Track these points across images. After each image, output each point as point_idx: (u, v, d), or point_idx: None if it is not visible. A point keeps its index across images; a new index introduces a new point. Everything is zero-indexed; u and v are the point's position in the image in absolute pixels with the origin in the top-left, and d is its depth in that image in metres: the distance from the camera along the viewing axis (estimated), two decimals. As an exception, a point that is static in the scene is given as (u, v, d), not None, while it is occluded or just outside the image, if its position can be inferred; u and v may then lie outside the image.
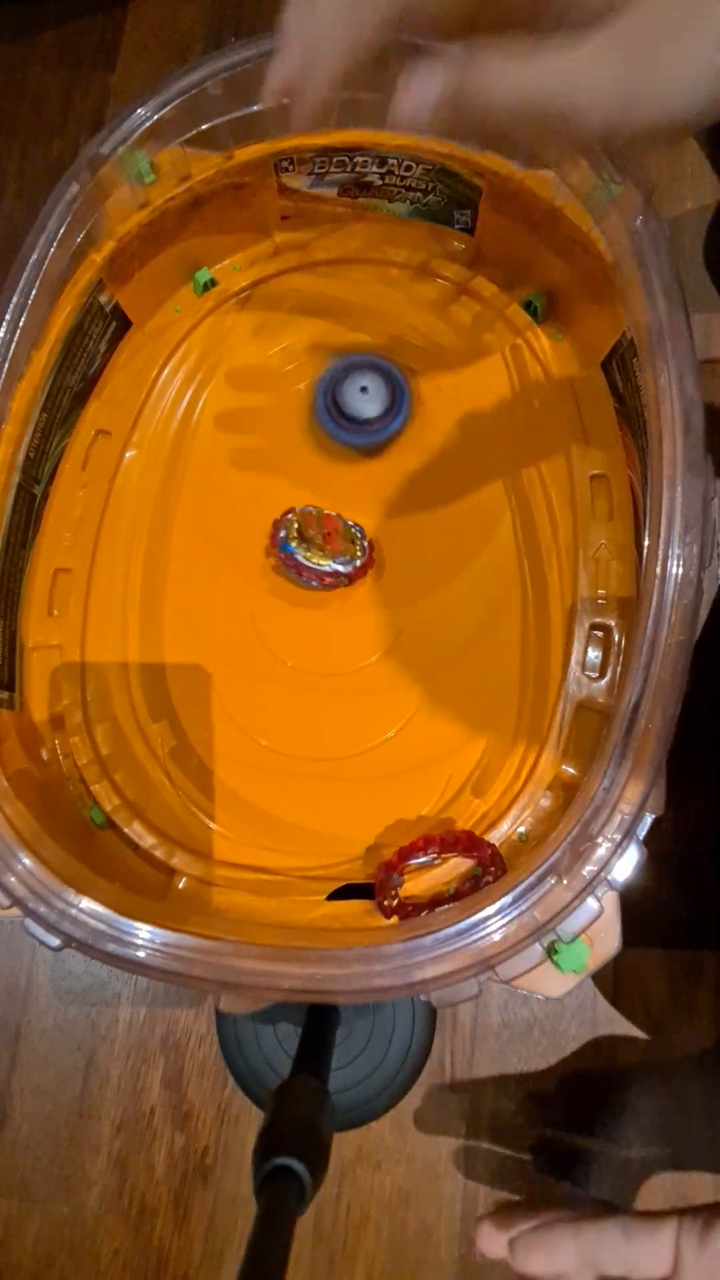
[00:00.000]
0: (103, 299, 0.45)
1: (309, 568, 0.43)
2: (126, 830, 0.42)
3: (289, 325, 0.49)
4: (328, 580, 0.43)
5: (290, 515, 0.44)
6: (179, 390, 0.49)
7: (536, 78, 0.21)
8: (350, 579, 0.44)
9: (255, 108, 0.43)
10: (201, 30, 0.78)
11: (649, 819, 0.32)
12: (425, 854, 0.40)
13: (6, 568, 0.42)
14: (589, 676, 0.42)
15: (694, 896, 0.57)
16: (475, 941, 0.32)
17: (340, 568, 0.43)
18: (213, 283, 0.50)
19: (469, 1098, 0.57)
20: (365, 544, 0.44)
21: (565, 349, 0.46)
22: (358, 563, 0.44)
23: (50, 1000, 0.61)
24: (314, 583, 0.44)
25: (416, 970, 0.32)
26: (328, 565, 0.43)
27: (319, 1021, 0.43)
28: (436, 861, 0.41)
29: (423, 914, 0.39)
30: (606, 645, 0.42)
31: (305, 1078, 0.36)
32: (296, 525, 0.44)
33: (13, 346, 0.40)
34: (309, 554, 0.43)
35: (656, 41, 0.20)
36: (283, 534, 0.43)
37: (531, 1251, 0.30)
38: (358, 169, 0.46)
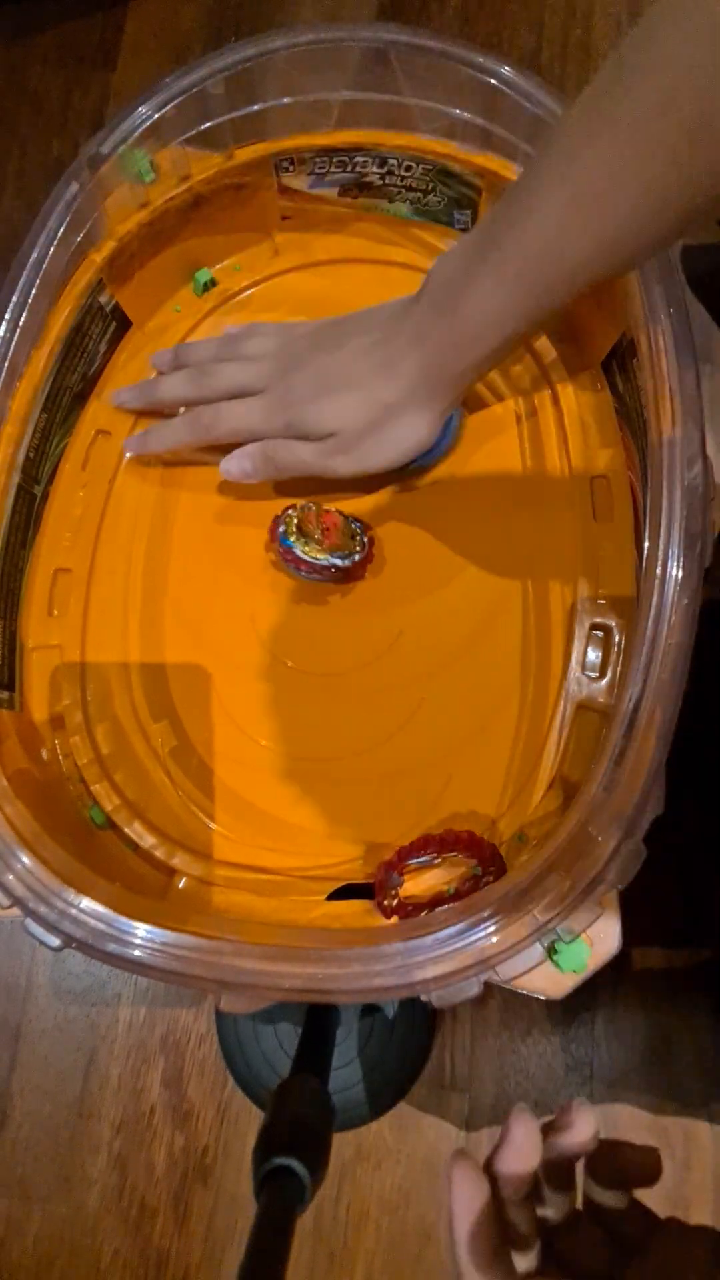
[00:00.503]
0: (103, 299, 0.45)
1: (306, 561, 0.43)
2: (127, 830, 0.42)
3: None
4: (327, 573, 0.43)
5: (290, 511, 0.44)
6: (179, 390, 0.49)
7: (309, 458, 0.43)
8: (348, 573, 0.44)
9: (256, 107, 0.43)
10: (201, 30, 0.78)
11: (649, 819, 0.32)
12: (425, 854, 0.40)
13: (6, 568, 0.42)
14: (589, 676, 0.42)
15: (694, 896, 0.58)
16: (475, 941, 0.32)
17: (338, 561, 0.43)
18: (213, 283, 0.50)
19: (469, 1098, 0.57)
20: (365, 539, 0.44)
21: (565, 349, 0.46)
22: (356, 557, 0.43)
23: (50, 1000, 0.61)
24: (313, 576, 0.44)
25: (416, 970, 0.32)
26: (325, 559, 0.43)
27: (319, 1021, 0.43)
28: (436, 861, 0.41)
29: (423, 914, 0.39)
30: (606, 645, 0.42)
31: (305, 1078, 0.36)
32: (296, 521, 0.44)
33: (12, 346, 0.40)
34: (307, 548, 0.43)
35: (363, 446, 0.41)
36: (281, 529, 0.43)
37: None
38: (358, 169, 0.46)
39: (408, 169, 0.45)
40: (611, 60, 0.28)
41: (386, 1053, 0.57)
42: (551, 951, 0.32)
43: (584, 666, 0.42)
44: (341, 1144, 0.57)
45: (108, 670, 0.45)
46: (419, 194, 0.47)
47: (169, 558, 0.47)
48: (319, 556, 0.43)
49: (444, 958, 0.32)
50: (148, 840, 0.42)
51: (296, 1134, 0.32)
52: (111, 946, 0.33)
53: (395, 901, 0.40)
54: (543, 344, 0.47)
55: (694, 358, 0.36)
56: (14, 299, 0.40)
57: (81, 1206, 0.58)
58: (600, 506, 0.43)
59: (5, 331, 0.40)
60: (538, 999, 0.33)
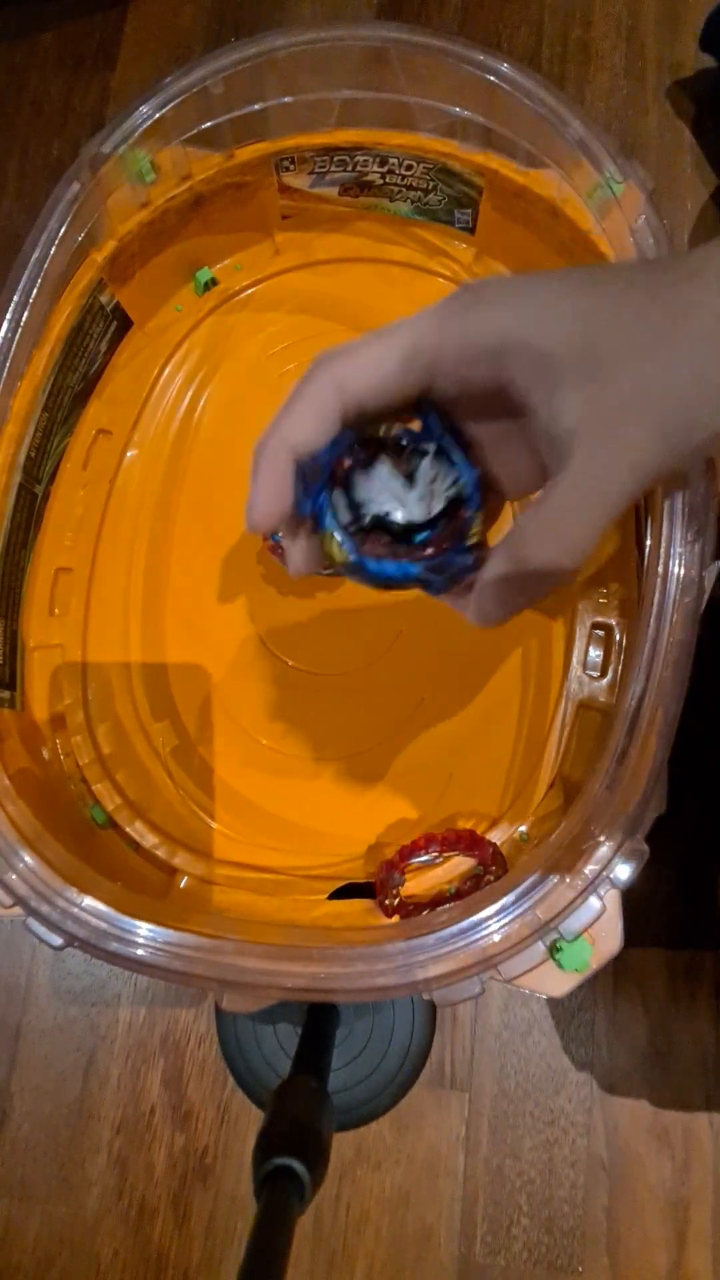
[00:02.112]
0: (103, 298, 0.45)
1: None
2: (128, 829, 0.42)
3: (290, 325, 0.49)
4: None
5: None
6: (180, 390, 0.49)
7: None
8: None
9: (256, 106, 0.43)
10: (201, 30, 0.78)
11: (651, 818, 0.32)
12: (426, 853, 0.40)
13: (8, 567, 0.42)
14: (590, 675, 0.42)
15: (694, 896, 0.57)
16: (477, 940, 0.32)
17: None
18: (214, 282, 0.50)
19: (469, 1097, 0.57)
20: None
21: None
22: None
23: (50, 1000, 0.61)
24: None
25: (418, 969, 0.32)
26: None
27: (319, 1021, 0.43)
28: (438, 860, 0.41)
29: (424, 913, 0.39)
30: (607, 644, 0.42)
31: (305, 1078, 0.36)
32: None
33: (13, 346, 0.40)
34: None
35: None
36: None
37: None
38: (358, 168, 0.46)
39: (408, 168, 0.45)
40: None
41: (386, 1053, 0.57)
42: (553, 950, 0.32)
43: (585, 665, 0.42)
44: (341, 1144, 0.56)
45: (109, 670, 0.45)
46: (420, 193, 0.47)
47: (170, 557, 0.47)
48: None
49: (445, 957, 0.32)
50: (149, 840, 0.42)
51: (296, 1134, 0.32)
52: (113, 946, 0.33)
53: (397, 900, 0.40)
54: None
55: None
56: (15, 299, 0.40)
57: (81, 1207, 0.58)
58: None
59: (6, 331, 0.40)
60: (538, 998, 0.33)
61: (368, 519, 0.27)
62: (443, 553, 0.27)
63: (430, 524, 0.28)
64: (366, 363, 0.26)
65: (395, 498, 0.27)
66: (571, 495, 0.25)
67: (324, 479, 0.27)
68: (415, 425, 0.27)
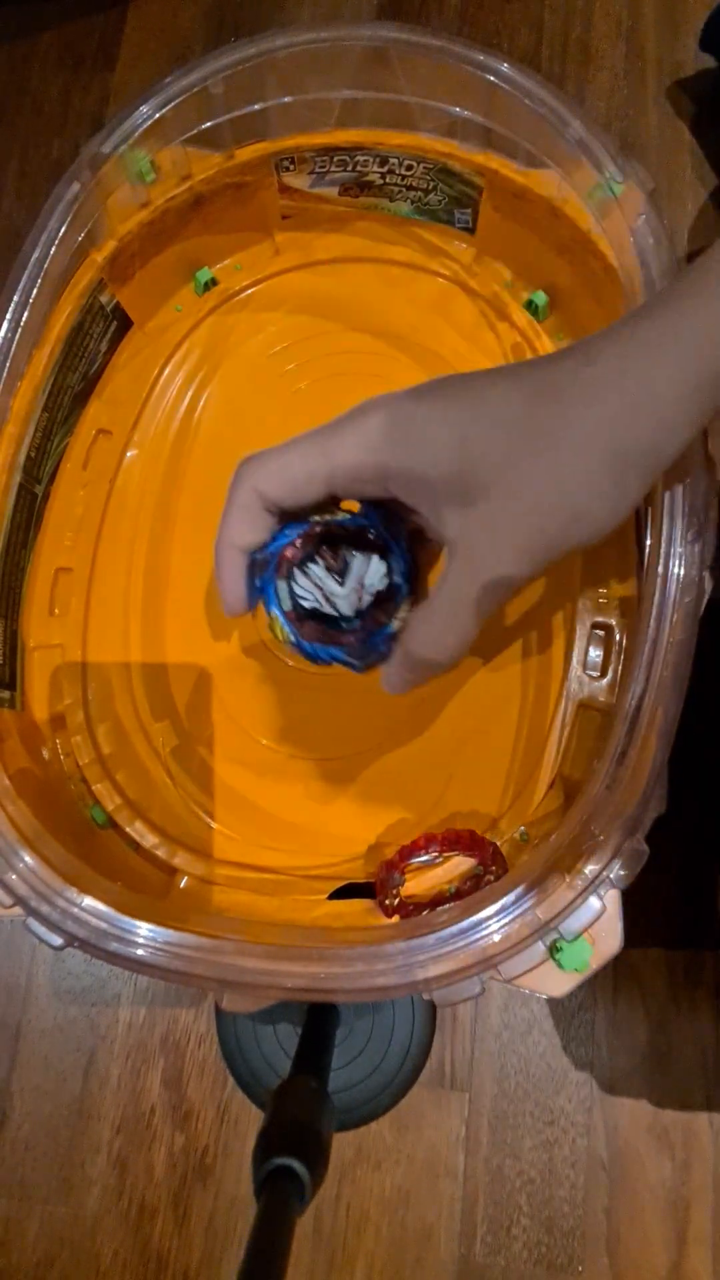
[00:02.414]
0: (103, 298, 0.45)
1: None
2: (128, 829, 0.42)
3: (290, 325, 0.49)
4: None
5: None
6: (180, 390, 0.49)
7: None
8: None
9: (256, 106, 0.43)
10: (201, 30, 0.78)
11: (651, 818, 0.32)
12: (426, 853, 0.40)
13: (7, 567, 0.42)
14: (590, 675, 0.42)
15: (694, 896, 0.58)
16: (477, 940, 0.32)
17: None
18: (214, 282, 0.50)
19: (469, 1097, 0.57)
20: None
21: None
22: None
23: (50, 1000, 0.61)
24: None
25: (418, 969, 0.32)
26: None
27: (319, 1021, 0.43)
28: (438, 860, 0.41)
29: (424, 913, 0.39)
30: (608, 644, 0.42)
31: (305, 1078, 0.36)
32: None
33: (13, 346, 0.40)
34: None
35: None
36: None
37: None
38: (359, 168, 0.46)
39: (408, 168, 0.45)
40: None
41: (386, 1053, 0.57)
42: (553, 951, 0.32)
43: (585, 665, 0.42)
44: (341, 1144, 0.56)
45: (109, 670, 0.45)
46: (420, 193, 0.47)
47: (170, 557, 0.47)
48: None
49: (445, 957, 0.32)
50: (149, 840, 0.42)
51: (296, 1134, 0.32)
52: (114, 946, 0.33)
53: (397, 900, 0.40)
54: (545, 344, 0.47)
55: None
56: (15, 299, 0.40)
57: (81, 1207, 0.58)
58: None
59: (6, 331, 0.40)
60: (538, 998, 0.33)
61: (304, 612, 0.32)
62: (363, 641, 0.32)
63: (358, 614, 0.33)
64: (277, 471, 0.30)
65: (327, 595, 0.32)
66: (443, 604, 0.29)
67: (270, 570, 0.32)
68: (355, 507, 0.32)
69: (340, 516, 0.32)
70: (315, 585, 0.32)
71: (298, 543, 0.31)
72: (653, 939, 0.58)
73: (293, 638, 0.32)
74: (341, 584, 0.32)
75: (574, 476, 0.26)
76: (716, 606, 0.34)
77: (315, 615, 0.32)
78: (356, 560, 0.32)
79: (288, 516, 0.32)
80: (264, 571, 0.32)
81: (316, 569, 0.32)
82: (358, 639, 0.32)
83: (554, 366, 0.27)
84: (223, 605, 0.33)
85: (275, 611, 0.32)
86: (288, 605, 0.32)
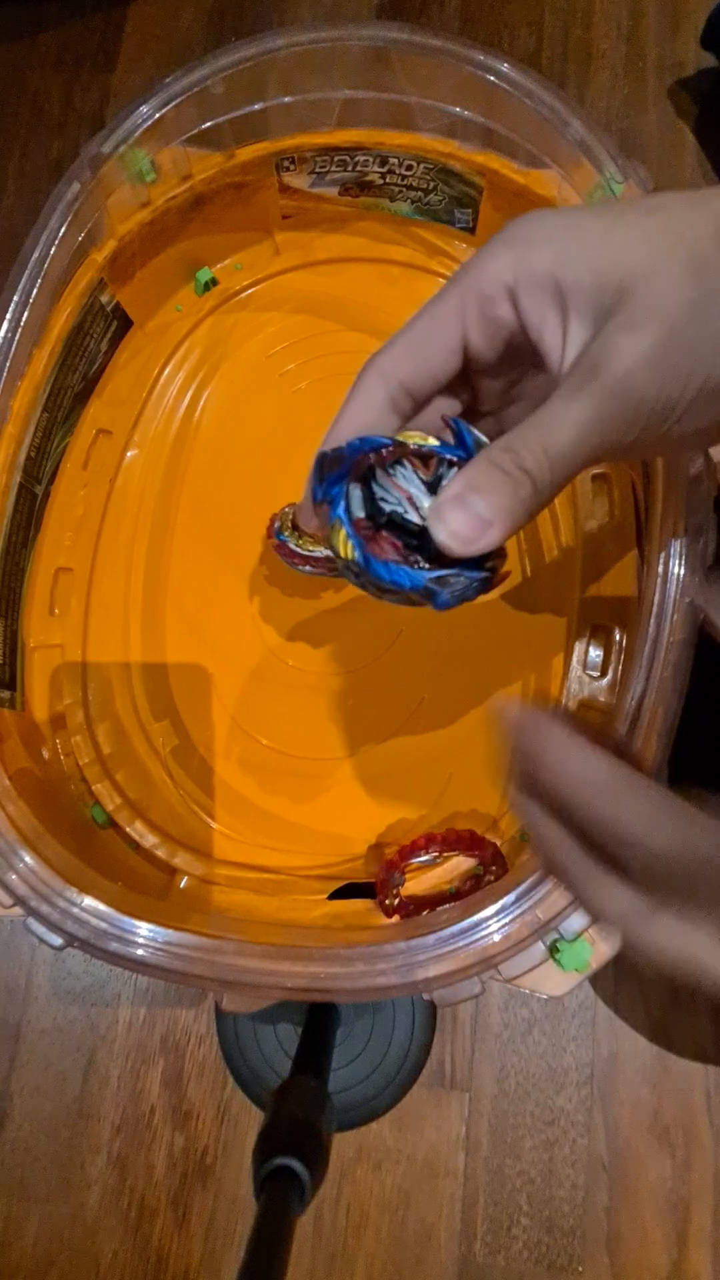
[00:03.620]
0: (104, 298, 0.45)
1: (299, 554, 0.43)
2: (128, 829, 0.42)
3: (290, 325, 0.49)
4: (320, 565, 0.43)
5: (287, 509, 0.44)
6: (180, 389, 0.49)
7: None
8: None
9: (256, 106, 0.43)
10: (201, 30, 0.78)
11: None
12: (426, 853, 0.40)
13: (8, 567, 0.42)
14: (590, 675, 0.42)
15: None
16: (477, 940, 0.32)
17: (330, 552, 0.43)
18: (214, 282, 0.50)
19: (469, 1097, 0.57)
20: None
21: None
22: None
23: (50, 1000, 0.61)
24: (305, 568, 0.44)
25: (418, 969, 0.32)
26: (319, 551, 0.43)
27: (319, 1021, 0.43)
28: (438, 860, 0.41)
29: (424, 913, 0.39)
30: (607, 644, 0.42)
31: (305, 1078, 0.36)
32: (291, 517, 0.44)
33: (14, 346, 0.40)
34: (300, 542, 0.43)
35: None
36: (277, 525, 0.44)
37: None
38: (359, 168, 0.46)
39: (409, 168, 0.45)
40: None
41: (386, 1053, 0.57)
42: (553, 950, 0.32)
43: (585, 665, 0.42)
44: (341, 1144, 0.56)
45: (109, 669, 0.45)
46: (420, 193, 0.47)
47: (170, 557, 0.47)
48: (313, 549, 0.43)
49: (446, 957, 0.32)
50: (149, 840, 0.42)
51: (296, 1134, 0.32)
52: (113, 945, 0.33)
53: (397, 900, 0.40)
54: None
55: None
56: (15, 299, 0.40)
57: (81, 1207, 0.58)
58: (601, 505, 0.43)
59: (7, 331, 0.40)
60: (538, 998, 0.33)
61: (382, 517, 0.25)
62: (454, 565, 0.25)
63: None
64: (405, 344, 0.25)
65: (414, 500, 0.25)
66: (559, 409, 0.23)
67: (344, 469, 0.25)
68: (448, 438, 0.26)
69: (431, 443, 0.26)
70: (400, 488, 0.25)
71: (384, 451, 0.25)
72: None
73: (358, 553, 0.25)
74: (434, 495, 0.25)
75: None
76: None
77: (393, 526, 0.25)
78: (452, 471, 0.25)
79: (415, 414, 0.26)
80: (330, 472, 0.25)
81: (403, 470, 0.26)
82: (448, 562, 0.25)
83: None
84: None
85: (341, 518, 0.25)
86: (359, 512, 0.25)
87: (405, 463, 0.26)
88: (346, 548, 0.25)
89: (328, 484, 0.25)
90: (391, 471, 0.26)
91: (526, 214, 0.24)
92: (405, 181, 0.46)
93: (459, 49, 0.41)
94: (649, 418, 0.23)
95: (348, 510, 0.25)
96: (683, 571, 0.33)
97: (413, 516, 0.25)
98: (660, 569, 0.33)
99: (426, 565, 0.25)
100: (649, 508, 0.35)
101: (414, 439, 0.26)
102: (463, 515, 0.23)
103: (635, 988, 0.57)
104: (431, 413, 0.27)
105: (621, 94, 0.71)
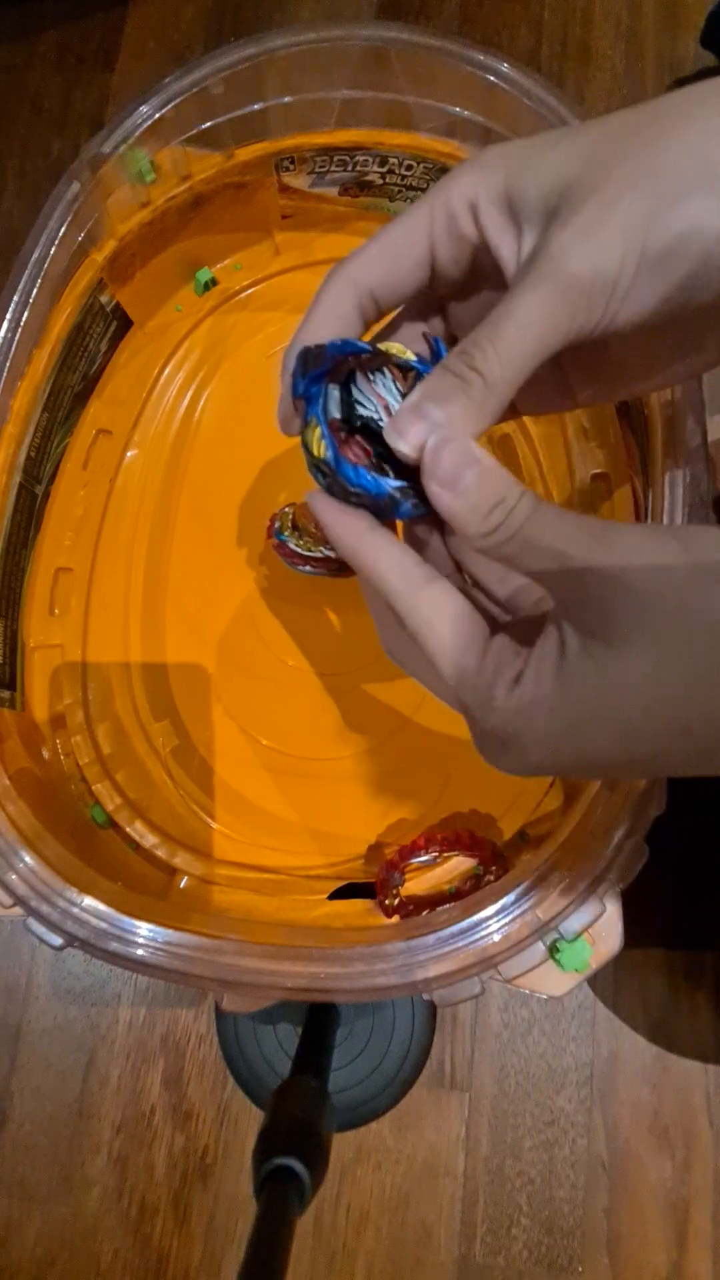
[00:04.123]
0: (103, 298, 0.45)
1: (299, 554, 0.43)
2: (128, 829, 0.42)
3: (290, 325, 0.49)
4: (320, 565, 0.43)
5: (286, 509, 0.44)
6: (180, 390, 0.49)
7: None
8: (342, 565, 0.44)
9: (256, 106, 0.43)
10: (201, 30, 0.78)
11: (651, 817, 0.32)
12: (426, 853, 0.40)
13: (8, 567, 0.42)
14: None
15: (694, 896, 0.58)
16: (477, 940, 0.32)
17: (330, 553, 0.43)
18: (214, 282, 0.50)
19: (469, 1097, 0.57)
20: None
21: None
22: None
23: (50, 1000, 0.61)
24: (305, 568, 0.44)
25: (418, 969, 0.32)
26: (319, 551, 0.43)
27: (319, 1022, 0.43)
28: (438, 860, 0.41)
29: (424, 913, 0.39)
30: (607, 644, 0.42)
31: (305, 1078, 0.36)
32: (291, 517, 0.44)
33: (14, 346, 0.40)
34: (300, 542, 0.43)
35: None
36: (277, 525, 0.44)
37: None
38: (358, 168, 0.46)
39: (408, 168, 0.45)
40: None
41: (386, 1053, 0.57)
42: (553, 950, 0.32)
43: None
44: (341, 1144, 0.56)
45: (109, 669, 0.45)
46: (420, 193, 0.47)
47: (170, 557, 0.47)
48: (312, 549, 0.43)
49: (446, 957, 0.32)
50: (149, 839, 0.42)
51: (296, 1134, 0.32)
52: (114, 945, 0.33)
53: (397, 901, 0.40)
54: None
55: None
56: (15, 299, 0.40)
57: (81, 1207, 0.58)
58: (600, 505, 0.43)
59: (7, 331, 0.40)
60: (538, 998, 0.33)
61: (357, 421, 0.26)
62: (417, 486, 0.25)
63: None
64: (377, 250, 0.26)
65: (390, 409, 0.25)
66: (516, 306, 0.23)
67: (325, 368, 0.25)
68: (426, 355, 0.27)
69: (409, 357, 0.26)
70: (378, 396, 0.26)
71: (365, 357, 0.25)
72: (653, 939, 0.58)
73: (330, 453, 0.25)
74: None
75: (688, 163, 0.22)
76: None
77: (367, 431, 0.26)
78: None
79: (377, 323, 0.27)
80: (313, 369, 0.25)
81: (383, 378, 0.26)
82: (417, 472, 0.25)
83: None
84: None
85: (317, 416, 0.25)
86: (335, 413, 0.25)
87: (386, 371, 0.26)
88: (320, 446, 0.25)
89: (309, 380, 0.25)
90: (372, 378, 0.26)
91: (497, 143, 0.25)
92: (405, 181, 0.46)
93: (458, 49, 0.41)
94: (590, 297, 0.23)
95: (324, 409, 0.25)
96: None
97: (385, 423, 0.25)
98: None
99: (392, 475, 0.26)
100: (649, 507, 0.35)
101: (394, 351, 0.26)
102: (420, 425, 0.23)
103: (635, 988, 0.57)
104: (405, 336, 0.28)
105: (621, 94, 0.71)
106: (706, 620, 0.20)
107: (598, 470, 0.44)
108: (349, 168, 0.46)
